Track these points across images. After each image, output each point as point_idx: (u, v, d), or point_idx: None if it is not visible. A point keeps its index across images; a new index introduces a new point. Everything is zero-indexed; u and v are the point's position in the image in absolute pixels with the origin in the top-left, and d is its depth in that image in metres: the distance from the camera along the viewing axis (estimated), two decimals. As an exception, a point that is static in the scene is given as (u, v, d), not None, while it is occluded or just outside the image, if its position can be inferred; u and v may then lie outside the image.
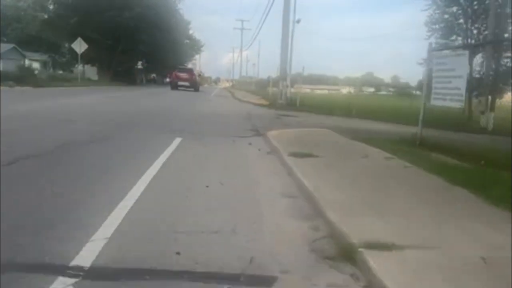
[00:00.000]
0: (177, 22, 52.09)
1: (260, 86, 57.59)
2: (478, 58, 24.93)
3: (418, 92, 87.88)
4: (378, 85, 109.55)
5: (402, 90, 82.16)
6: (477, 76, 25.00)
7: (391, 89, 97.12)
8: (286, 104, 21.35)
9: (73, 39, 32.72)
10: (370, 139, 8.95)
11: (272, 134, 9.02)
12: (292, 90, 23.77)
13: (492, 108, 18.88)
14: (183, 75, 34.55)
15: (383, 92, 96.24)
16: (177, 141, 7.52)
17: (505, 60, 24.10)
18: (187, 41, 67.98)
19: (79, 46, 31.23)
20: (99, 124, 8.99)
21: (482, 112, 19.03)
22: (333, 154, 6.60)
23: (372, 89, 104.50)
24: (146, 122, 10.32)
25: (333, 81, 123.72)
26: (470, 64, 25.76)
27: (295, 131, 9.97)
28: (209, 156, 6.43)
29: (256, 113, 16.41)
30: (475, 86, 25.45)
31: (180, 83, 33.67)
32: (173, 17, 49.79)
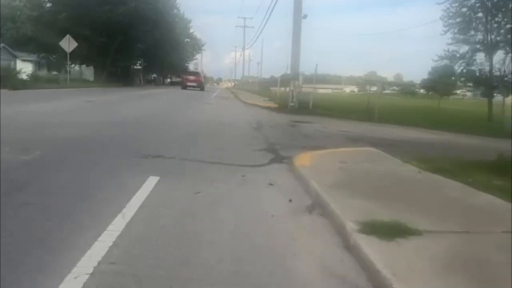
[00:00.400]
0: (176, 19, 48.86)
1: (263, 86, 54.39)
2: (499, 55, 22.25)
3: (422, 91, 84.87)
4: (382, 84, 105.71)
5: (407, 89, 78.78)
6: (497, 74, 22.38)
7: (396, 88, 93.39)
8: (298, 107, 18.15)
9: (63, 37, 29.46)
10: (449, 168, 5.73)
11: (301, 161, 5.82)
12: (292, 89, 20.54)
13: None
14: (192, 77, 41.78)
15: (387, 91, 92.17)
16: (149, 184, 4.31)
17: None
18: (188, 40, 64.65)
19: (68, 44, 28.03)
20: (34, 149, 5.67)
21: (516, 114, 15.75)
22: (439, 221, 3.37)
23: (375, 88, 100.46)
24: (113, 142, 6.93)
25: (336, 80, 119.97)
26: (490, 61, 22.94)
27: (331, 153, 6.73)
28: (200, 229, 3.21)
29: (266, 120, 13.20)
30: (496, 85, 22.66)
31: (189, 84, 40.00)
32: (172, 14, 46.58)
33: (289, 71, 21.20)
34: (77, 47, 29.50)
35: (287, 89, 27.05)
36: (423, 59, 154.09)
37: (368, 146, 9.04)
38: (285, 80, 26.47)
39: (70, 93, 20.78)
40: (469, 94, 73.65)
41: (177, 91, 35.62)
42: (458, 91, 66.68)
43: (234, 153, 6.73)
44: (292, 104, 18.12)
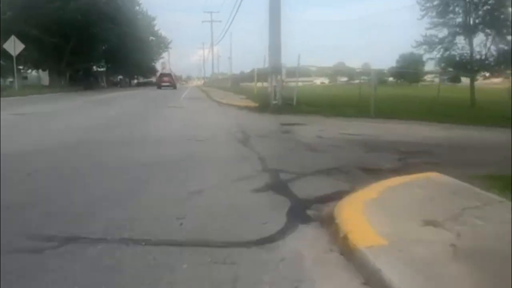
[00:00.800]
0: (137, 16, 44.97)
1: (235, 83, 51.49)
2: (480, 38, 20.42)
3: (391, 79, 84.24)
4: (351, 74, 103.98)
5: (376, 77, 77.45)
6: (478, 57, 20.55)
7: (365, 78, 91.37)
8: (281, 104, 15.34)
9: (8, 38, 25.41)
10: None
11: (353, 223, 2.96)
12: (274, 84, 17.73)
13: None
14: (166, 78, 47.89)
15: (357, 81, 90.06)
16: None
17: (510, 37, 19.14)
18: (153, 38, 60.38)
19: (13, 46, 24.12)
20: None
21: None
22: None
23: (345, 79, 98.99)
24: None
25: (305, 72, 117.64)
26: (470, 44, 21.03)
27: (389, 193, 3.84)
28: None
29: (251, 126, 10.28)
30: (477, 69, 20.89)
31: (163, 84, 45.87)
32: (134, 10, 42.72)
33: (267, 65, 18.39)
34: (26, 50, 25.65)
35: (264, 84, 24.21)
36: (390, 47, 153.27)
37: (394, 156, 6.54)
38: (262, 75, 23.61)
39: (9, 103, 17.07)
40: (436, 80, 73.34)
41: (143, 93, 32.10)
42: (426, 77, 66.05)
43: (221, 205, 3.77)
44: (275, 102, 15.28)
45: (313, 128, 10.27)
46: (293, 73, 20.26)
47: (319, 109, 15.08)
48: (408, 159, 6.54)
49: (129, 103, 19.21)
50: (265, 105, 15.46)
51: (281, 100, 15.50)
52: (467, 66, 20.63)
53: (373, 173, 5.41)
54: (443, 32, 20.79)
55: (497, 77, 24.43)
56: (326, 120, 12.59)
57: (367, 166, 5.82)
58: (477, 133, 10.10)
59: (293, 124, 10.97)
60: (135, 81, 73.14)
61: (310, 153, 6.75)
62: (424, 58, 23.07)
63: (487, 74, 22.85)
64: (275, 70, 15.28)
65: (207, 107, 17.54)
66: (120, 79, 67.60)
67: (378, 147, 7.61)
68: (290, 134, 9.03)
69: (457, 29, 20.43)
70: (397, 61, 79.67)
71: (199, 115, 13.39)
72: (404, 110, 15.19)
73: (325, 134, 9.09)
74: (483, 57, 20.30)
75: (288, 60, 19.68)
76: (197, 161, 5.70)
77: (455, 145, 8.19)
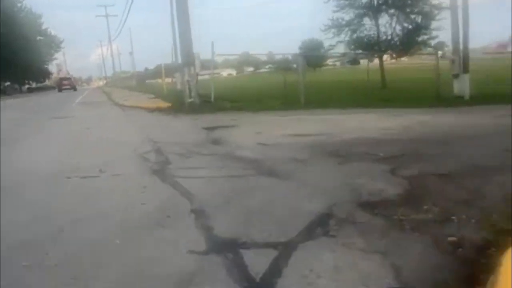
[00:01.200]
0: (19, 13, 38.27)
1: (140, 81, 47.14)
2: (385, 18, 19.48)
3: (295, 65, 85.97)
4: (257, 63, 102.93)
5: (282, 65, 77.52)
6: (384, 38, 20.23)
7: (270, 66, 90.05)
8: (198, 102, 12.60)
9: None
10: None
11: None
12: (188, 79, 14.98)
13: (466, 70, 12.70)
14: (66, 82, 51.63)
15: (262, 70, 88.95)
16: None
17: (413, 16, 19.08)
18: (41, 37, 52.58)
19: None
20: None
21: (457, 76, 12.78)
22: None
23: (251, 69, 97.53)
24: None
25: (209, 63, 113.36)
26: (377, 25, 20.53)
27: None
28: None
29: (167, 138, 7.43)
30: (384, 50, 20.52)
31: (64, 87, 48.80)
32: (10, 7, 36.09)
33: (175, 58, 15.46)
34: None
35: (173, 80, 21.16)
36: (293, 34, 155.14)
37: (377, 166, 4.66)
38: (169, 70, 20.47)
39: None
40: (338, 64, 75.50)
41: (30, 100, 26.75)
42: (329, 62, 67.37)
43: None
44: (191, 99, 12.47)
45: (247, 131, 7.87)
46: (202, 65, 17.67)
47: (242, 105, 12.77)
48: (399, 170, 4.57)
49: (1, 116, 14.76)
50: (178, 104, 12.57)
51: (199, 98, 12.75)
52: (374, 47, 20.04)
53: (383, 211, 3.27)
54: (350, 15, 19.93)
55: (402, 56, 24.36)
56: (256, 117, 10.30)
57: (366, 198, 3.61)
58: (427, 117, 8.54)
59: (220, 127, 8.44)
60: (27, 86, 63.64)
61: (269, 182, 4.21)
62: (334, 41, 21.96)
63: (394, 54, 22.64)
64: (187, 62, 12.40)
65: (106, 114, 13.65)
66: (7, 85, 58.04)
67: (347, 153, 5.45)
68: (223, 146, 6.40)
69: (363, 11, 19.69)
70: (300, 48, 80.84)
71: (94, 128, 9.71)
72: (332, 98, 13.59)
73: (267, 139, 6.69)
74: (389, 37, 19.87)
75: (196, 50, 16.74)
76: (74, 244, 2.75)
77: (426, 139, 6.35)
